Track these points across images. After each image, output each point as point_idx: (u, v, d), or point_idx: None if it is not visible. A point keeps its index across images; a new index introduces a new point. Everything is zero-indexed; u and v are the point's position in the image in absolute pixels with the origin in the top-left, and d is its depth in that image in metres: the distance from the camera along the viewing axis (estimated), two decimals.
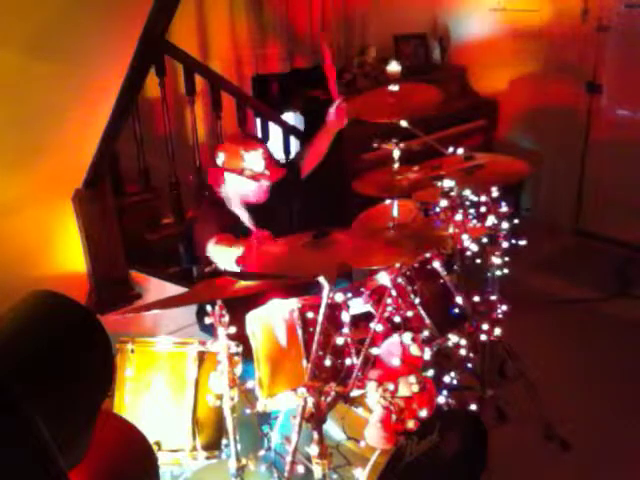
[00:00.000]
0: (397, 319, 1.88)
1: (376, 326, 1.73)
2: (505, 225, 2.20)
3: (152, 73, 2.75)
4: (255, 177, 2.25)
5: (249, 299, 1.79)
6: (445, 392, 1.97)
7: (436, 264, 2.10)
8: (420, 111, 2.16)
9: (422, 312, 2.00)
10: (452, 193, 1.99)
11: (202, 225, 2.29)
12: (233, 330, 1.70)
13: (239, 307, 1.75)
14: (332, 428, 1.84)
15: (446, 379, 2.06)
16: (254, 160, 2.25)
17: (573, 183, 4.25)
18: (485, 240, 2.23)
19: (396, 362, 1.76)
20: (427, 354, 1.83)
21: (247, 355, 1.81)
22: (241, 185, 2.29)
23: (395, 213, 2.08)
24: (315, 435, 1.52)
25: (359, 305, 1.88)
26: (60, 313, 0.82)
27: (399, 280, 1.97)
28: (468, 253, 2.12)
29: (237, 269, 1.99)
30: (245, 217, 2.34)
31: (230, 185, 2.31)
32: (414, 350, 1.78)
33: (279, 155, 3.53)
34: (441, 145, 2.19)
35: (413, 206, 2.29)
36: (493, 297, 2.26)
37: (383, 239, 1.84)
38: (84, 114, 2.28)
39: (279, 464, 1.94)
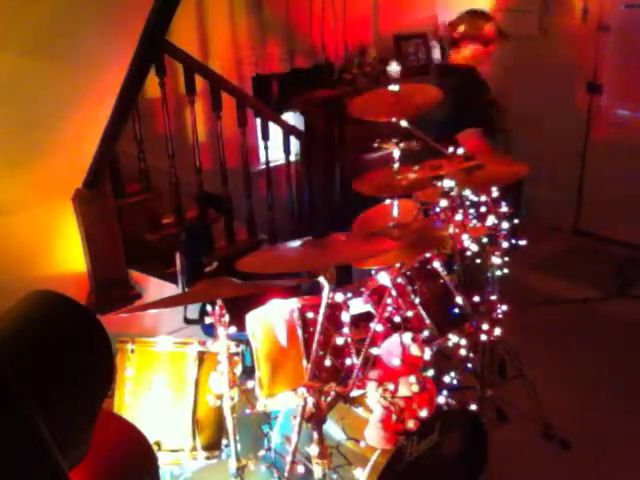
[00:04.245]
0: (397, 319, 1.88)
1: (376, 326, 1.73)
2: (505, 225, 2.20)
3: (152, 73, 2.74)
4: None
5: (249, 299, 1.79)
6: (445, 392, 1.97)
7: (436, 264, 2.10)
8: (420, 111, 2.16)
9: (422, 312, 2.00)
10: (452, 193, 1.99)
11: None
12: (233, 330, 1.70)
13: (239, 307, 1.75)
14: (332, 428, 1.84)
15: (446, 379, 2.07)
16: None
17: (573, 183, 4.25)
18: (485, 240, 2.23)
19: (396, 362, 1.76)
20: (427, 354, 1.83)
21: None
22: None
23: (395, 213, 2.08)
24: (315, 435, 1.52)
25: (359, 305, 1.88)
26: (60, 313, 0.82)
27: (399, 280, 1.97)
28: (468, 253, 2.12)
29: None
30: None
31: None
32: (414, 350, 1.78)
33: (279, 155, 3.53)
34: (441, 145, 2.18)
35: (413, 206, 2.29)
36: (493, 297, 2.26)
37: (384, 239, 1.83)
38: (84, 114, 2.27)
39: (279, 464, 1.94)
